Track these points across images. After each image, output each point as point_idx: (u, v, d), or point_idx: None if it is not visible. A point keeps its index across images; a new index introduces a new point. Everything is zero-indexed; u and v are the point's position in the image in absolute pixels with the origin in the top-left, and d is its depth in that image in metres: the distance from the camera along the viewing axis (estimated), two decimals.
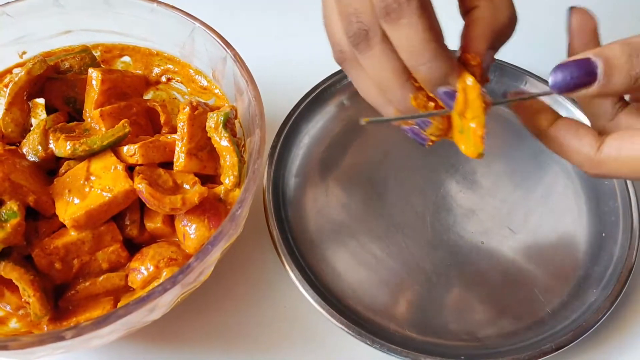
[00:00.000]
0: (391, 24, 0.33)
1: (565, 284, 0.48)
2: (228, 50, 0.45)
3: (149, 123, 0.49)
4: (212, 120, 0.43)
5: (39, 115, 0.50)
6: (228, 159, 0.43)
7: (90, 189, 0.42)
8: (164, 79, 0.52)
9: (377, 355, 0.44)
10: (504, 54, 0.58)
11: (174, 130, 0.49)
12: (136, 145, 0.43)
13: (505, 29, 0.37)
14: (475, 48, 0.36)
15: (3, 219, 0.40)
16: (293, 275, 0.46)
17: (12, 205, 0.40)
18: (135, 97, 0.50)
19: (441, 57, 0.34)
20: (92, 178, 0.42)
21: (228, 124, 0.44)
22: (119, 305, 0.42)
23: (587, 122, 0.38)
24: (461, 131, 0.37)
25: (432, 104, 0.37)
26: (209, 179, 0.46)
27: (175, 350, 0.45)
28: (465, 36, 0.37)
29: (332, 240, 0.50)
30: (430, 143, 0.40)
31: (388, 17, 0.33)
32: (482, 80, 0.37)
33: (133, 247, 0.44)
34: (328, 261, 0.49)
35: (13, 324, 0.42)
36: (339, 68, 0.57)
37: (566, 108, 0.55)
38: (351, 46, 0.36)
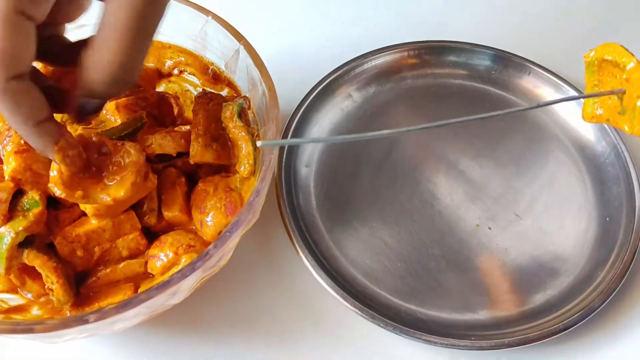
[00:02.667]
0: None
1: (571, 267, 0.49)
2: (241, 42, 0.46)
3: (162, 115, 0.50)
4: (227, 110, 0.44)
5: None
6: (244, 148, 0.44)
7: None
8: (176, 71, 0.53)
9: (390, 337, 0.45)
10: (507, 43, 0.60)
11: (187, 121, 0.50)
12: (153, 136, 0.44)
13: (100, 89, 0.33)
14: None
15: (25, 208, 0.41)
16: (306, 261, 0.47)
17: (33, 195, 0.41)
18: (149, 89, 0.51)
19: (33, 137, 0.33)
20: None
21: (242, 113, 0.45)
22: (140, 290, 0.43)
23: None
24: (621, 112, 0.37)
25: None
26: (222, 168, 0.48)
27: (192, 334, 0.47)
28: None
29: (344, 227, 0.51)
30: None
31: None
32: (76, 119, 0.37)
33: (151, 235, 0.45)
34: (340, 247, 0.50)
35: (35, 311, 0.43)
36: (347, 59, 0.59)
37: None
38: None
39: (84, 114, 0.37)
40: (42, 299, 0.44)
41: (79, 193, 0.39)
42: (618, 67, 0.38)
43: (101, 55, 0.32)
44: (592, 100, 0.43)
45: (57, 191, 0.38)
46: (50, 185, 0.38)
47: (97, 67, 0.32)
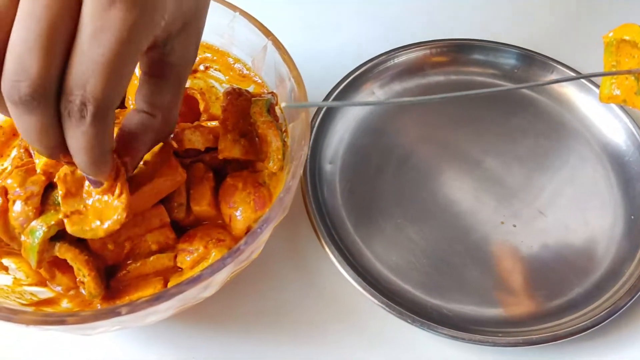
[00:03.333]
0: (69, 121, 0.31)
1: (596, 265, 0.49)
2: (268, 38, 0.46)
3: (188, 111, 0.51)
4: (257, 106, 0.45)
5: None
6: (272, 143, 0.44)
7: (139, 173, 0.43)
8: (202, 67, 0.53)
9: (417, 333, 0.46)
10: (533, 43, 0.60)
11: (212, 117, 0.50)
12: (182, 131, 0.45)
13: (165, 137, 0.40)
14: (137, 153, 0.38)
15: (57, 202, 0.41)
16: (332, 256, 0.47)
17: None
18: None
19: (97, 164, 0.33)
20: (140, 163, 0.44)
21: (271, 109, 0.45)
22: (169, 284, 0.43)
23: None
24: (638, 92, 0.38)
25: None
26: (249, 164, 0.48)
27: (219, 329, 0.47)
28: (129, 140, 0.38)
29: (369, 223, 0.51)
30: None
31: (69, 114, 0.31)
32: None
33: (179, 229, 0.45)
34: (365, 243, 0.50)
35: (65, 304, 0.44)
36: (370, 57, 0.59)
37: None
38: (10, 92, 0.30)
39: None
40: (71, 292, 0.44)
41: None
42: (636, 47, 0.38)
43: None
44: (609, 81, 0.43)
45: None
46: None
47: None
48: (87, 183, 0.38)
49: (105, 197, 0.37)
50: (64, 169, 0.39)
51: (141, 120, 0.38)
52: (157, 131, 0.39)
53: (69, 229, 0.38)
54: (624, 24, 0.43)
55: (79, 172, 0.38)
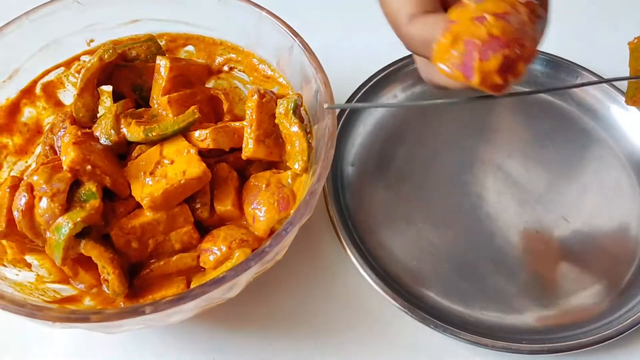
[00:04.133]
0: None
1: (622, 272, 0.49)
2: (296, 39, 0.46)
3: (211, 111, 0.51)
4: (282, 107, 0.44)
5: (104, 102, 0.52)
6: (297, 145, 0.44)
7: (165, 171, 0.43)
8: (226, 68, 0.53)
9: (439, 338, 0.45)
10: (559, 49, 0.60)
11: (236, 118, 0.50)
12: (207, 130, 0.45)
13: None
14: None
15: (82, 199, 0.41)
16: (354, 260, 0.47)
17: (90, 187, 0.41)
18: (199, 85, 0.51)
19: None
20: (166, 162, 0.44)
21: (296, 110, 0.45)
22: (192, 284, 0.43)
23: None
24: None
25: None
26: (273, 165, 0.48)
27: (241, 331, 0.47)
28: None
29: (390, 227, 0.51)
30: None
31: None
32: None
33: (202, 229, 0.45)
34: (386, 247, 0.50)
35: (87, 302, 0.44)
36: (395, 59, 0.59)
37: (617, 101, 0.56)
38: None
39: None
40: (94, 290, 0.44)
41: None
42: None
43: None
44: (635, 85, 0.43)
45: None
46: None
47: None
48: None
49: None
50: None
51: None
52: None
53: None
54: None
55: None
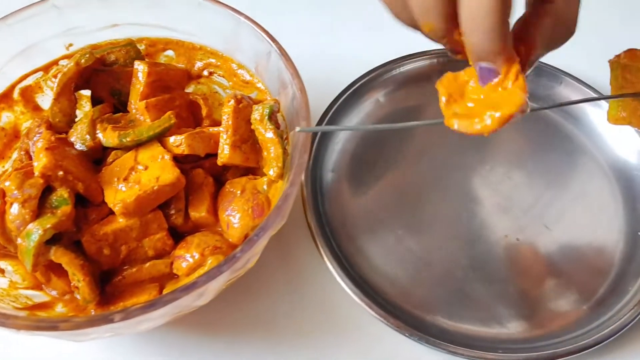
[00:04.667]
0: None
1: (601, 282, 0.48)
2: (273, 45, 0.46)
3: (190, 116, 0.50)
4: (258, 113, 0.44)
5: (83, 107, 0.51)
6: (272, 151, 0.44)
7: (139, 177, 0.43)
8: (205, 72, 0.53)
9: (415, 347, 0.45)
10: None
11: (214, 123, 0.50)
12: (182, 136, 0.44)
13: (564, 34, 0.35)
14: (534, 42, 0.34)
15: (54, 205, 0.41)
16: (331, 267, 0.47)
17: (62, 193, 0.41)
18: (178, 90, 0.51)
19: (498, 32, 0.31)
20: (140, 167, 0.43)
21: (272, 116, 0.45)
22: (165, 291, 0.43)
23: None
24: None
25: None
26: (249, 171, 0.47)
27: (215, 338, 0.46)
28: (527, 26, 0.35)
29: (368, 234, 0.51)
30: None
31: None
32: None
33: (177, 235, 0.45)
34: (365, 254, 0.49)
35: (59, 309, 0.43)
36: (376, 65, 0.58)
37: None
38: None
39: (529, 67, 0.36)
40: (66, 297, 0.44)
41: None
42: None
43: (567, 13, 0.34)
44: (617, 103, 0.43)
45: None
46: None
47: (562, 24, 0.35)
48: (470, 86, 0.35)
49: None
50: (447, 75, 0.36)
51: (536, 6, 0.35)
52: (556, 19, 0.35)
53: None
54: (630, 48, 0.43)
55: (462, 75, 0.36)
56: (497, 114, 0.33)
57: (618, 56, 0.43)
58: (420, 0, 0.33)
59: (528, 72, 0.37)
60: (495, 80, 0.34)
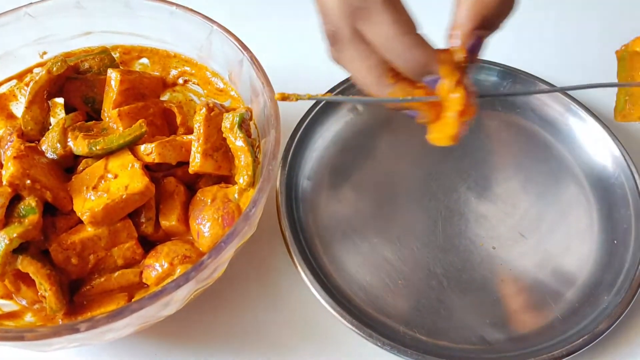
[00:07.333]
0: (362, 23, 0.34)
1: (576, 290, 0.48)
2: (245, 53, 0.46)
3: (165, 124, 0.50)
4: (228, 121, 0.44)
5: (58, 115, 0.51)
6: (242, 159, 0.44)
7: (108, 186, 0.42)
8: (180, 80, 0.53)
9: (387, 357, 0.44)
10: (515, 60, 0.59)
11: (189, 131, 0.50)
12: (153, 144, 0.44)
13: (496, 10, 0.36)
14: (461, 26, 0.36)
15: (21, 214, 0.41)
16: (305, 277, 0.46)
17: (30, 202, 0.41)
18: (153, 98, 0.50)
19: (415, 48, 0.34)
20: (110, 176, 0.43)
21: (243, 124, 0.44)
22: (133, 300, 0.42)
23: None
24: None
25: (420, 90, 0.38)
26: (223, 179, 0.47)
27: (187, 348, 0.46)
28: (455, 13, 0.37)
29: (344, 242, 0.50)
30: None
31: (356, 17, 0.34)
32: (467, 60, 0.37)
33: (147, 244, 0.45)
34: (339, 263, 0.49)
35: (28, 318, 0.43)
36: None
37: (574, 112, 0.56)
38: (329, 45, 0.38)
39: (475, 50, 0.38)
40: (36, 306, 0.43)
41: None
42: None
43: None
44: (624, 98, 0.42)
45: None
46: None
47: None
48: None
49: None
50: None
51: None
52: None
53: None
54: (638, 36, 0.42)
55: None
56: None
57: (626, 45, 0.43)
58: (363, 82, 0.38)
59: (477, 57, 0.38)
60: (440, 82, 0.36)
